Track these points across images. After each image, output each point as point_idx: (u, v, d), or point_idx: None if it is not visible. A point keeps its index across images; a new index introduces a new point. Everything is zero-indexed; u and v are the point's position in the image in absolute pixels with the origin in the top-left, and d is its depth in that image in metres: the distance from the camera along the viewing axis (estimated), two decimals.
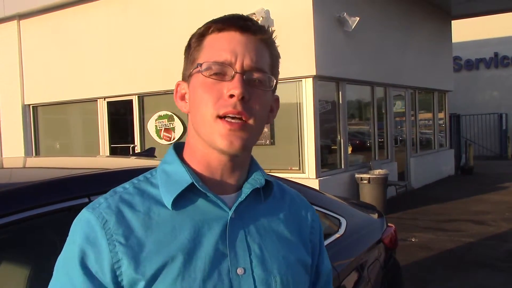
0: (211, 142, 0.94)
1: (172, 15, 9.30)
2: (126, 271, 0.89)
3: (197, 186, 0.94)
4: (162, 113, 9.72)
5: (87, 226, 0.92)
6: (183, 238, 0.92)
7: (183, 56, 1.03)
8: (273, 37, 1.01)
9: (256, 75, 0.94)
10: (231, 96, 0.91)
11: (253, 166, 1.05)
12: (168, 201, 0.95)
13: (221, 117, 0.92)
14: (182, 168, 0.97)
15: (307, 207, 1.14)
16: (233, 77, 0.92)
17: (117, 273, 0.89)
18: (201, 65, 0.94)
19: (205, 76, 0.93)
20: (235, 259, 0.94)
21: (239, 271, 0.94)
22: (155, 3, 9.53)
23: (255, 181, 1.01)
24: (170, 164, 1.00)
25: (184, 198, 0.95)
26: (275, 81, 0.99)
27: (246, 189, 1.00)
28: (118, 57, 10.05)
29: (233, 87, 0.91)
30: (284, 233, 1.03)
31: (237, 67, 0.93)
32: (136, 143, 10.14)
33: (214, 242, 0.93)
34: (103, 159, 3.01)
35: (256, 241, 0.98)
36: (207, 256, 0.92)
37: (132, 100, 10.15)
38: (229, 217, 0.96)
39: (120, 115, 10.67)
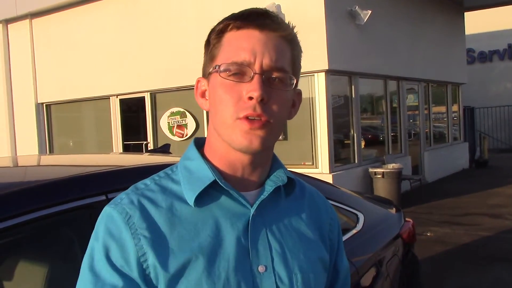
0: (230, 142, 0.92)
1: (183, 12, 9.29)
2: (153, 264, 0.88)
3: (220, 183, 0.93)
4: (175, 109, 9.73)
5: (110, 222, 0.91)
6: (206, 235, 0.91)
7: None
8: (294, 32, 0.97)
9: (276, 75, 0.91)
10: (250, 98, 0.88)
11: (275, 163, 1.03)
12: (190, 198, 0.93)
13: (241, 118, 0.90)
14: (204, 165, 0.96)
15: (326, 205, 1.12)
16: (252, 78, 0.89)
17: (144, 266, 0.88)
18: (219, 66, 0.92)
19: (224, 78, 0.91)
20: (256, 256, 0.93)
21: (261, 268, 0.93)
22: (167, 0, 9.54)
23: (277, 178, 1.00)
24: (192, 161, 0.98)
25: (206, 195, 0.94)
26: (295, 79, 0.96)
27: (269, 187, 0.98)
28: (130, 54, 10.07)
29: (252, 89, 0.88)
30: (304, 231, 1.02)
31: (256, 67, 0.89)
32: (149, 140, 10.17)
33: (236, 239, 0.92)
34: (119, 156, 3.01)
35: (277, 239, 0.96)
36: (230, 253, 0.91)
37: (144, 97, 10.18)
38: (251, 214, 0.94)
39: (133, 112, 10.71)
